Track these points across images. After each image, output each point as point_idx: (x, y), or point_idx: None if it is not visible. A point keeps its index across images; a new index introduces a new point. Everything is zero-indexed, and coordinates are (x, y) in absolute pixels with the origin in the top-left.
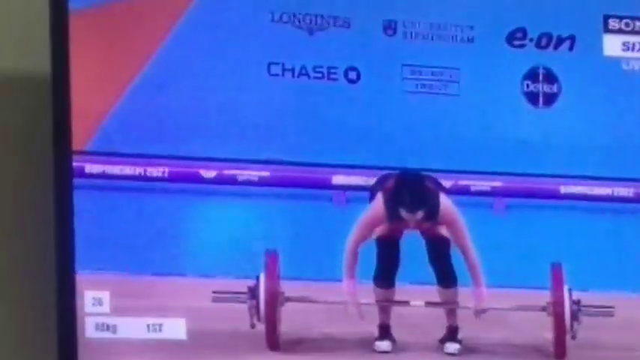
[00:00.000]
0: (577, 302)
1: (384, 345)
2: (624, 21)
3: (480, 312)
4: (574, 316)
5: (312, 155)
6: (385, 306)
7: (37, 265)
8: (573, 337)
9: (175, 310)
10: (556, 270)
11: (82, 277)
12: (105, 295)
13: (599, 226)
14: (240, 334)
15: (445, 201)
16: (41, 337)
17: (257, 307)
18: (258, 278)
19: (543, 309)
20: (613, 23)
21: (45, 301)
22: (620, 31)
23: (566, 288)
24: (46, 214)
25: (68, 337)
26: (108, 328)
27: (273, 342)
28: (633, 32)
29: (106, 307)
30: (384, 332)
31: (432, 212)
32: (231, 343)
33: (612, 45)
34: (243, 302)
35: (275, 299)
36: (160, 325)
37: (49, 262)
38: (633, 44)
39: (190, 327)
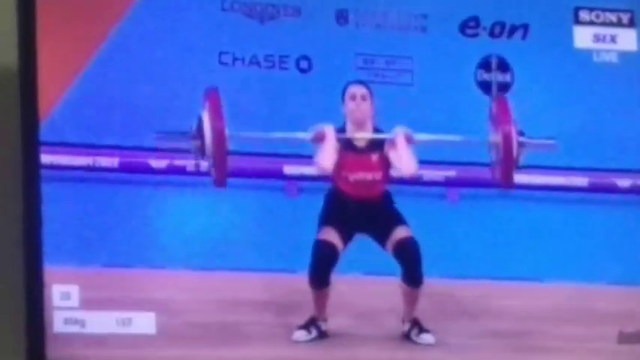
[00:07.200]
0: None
1: (302, 334)
2: (594, 12)
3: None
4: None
5: (263, 145)
6: (322, 300)
7: (4, 259)
8: None
9: (145, 304)
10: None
11: (49, 271)
12: (74, 289)
13: (554, 217)
14: (211, 325)
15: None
16: (10, 332)
17: (202, 146)
18: (200, 118)
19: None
20: (583, 15)
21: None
22: (591, 23)
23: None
24: (12, 208)
25: (37, 331)
26: (76, 322)
27: (221, 178)
28: (604, 24)
29: (74, 301)
30: (310, 323)
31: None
32: (201, 336)
33: (582, 36)
34: (187, 141)
35: (221, 135)
36: (130, 319)
37: (17, 256)
38: (604, 36)
39: (160, 320)
